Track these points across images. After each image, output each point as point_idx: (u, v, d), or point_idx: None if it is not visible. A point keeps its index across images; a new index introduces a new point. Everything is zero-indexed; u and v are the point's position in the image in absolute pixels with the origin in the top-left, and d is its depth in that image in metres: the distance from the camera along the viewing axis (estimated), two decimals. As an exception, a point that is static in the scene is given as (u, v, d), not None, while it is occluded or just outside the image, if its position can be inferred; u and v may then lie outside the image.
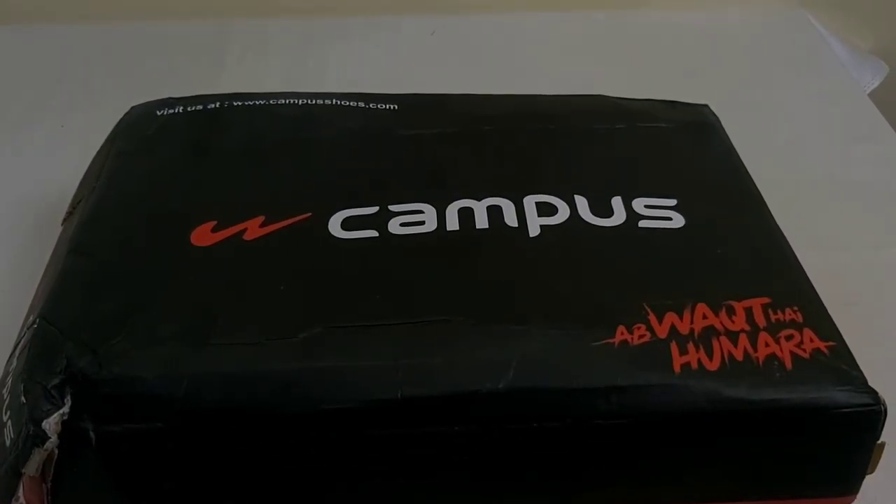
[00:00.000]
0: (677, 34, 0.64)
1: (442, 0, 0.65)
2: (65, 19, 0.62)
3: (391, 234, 0.31)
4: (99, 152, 0.38)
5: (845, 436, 0.27)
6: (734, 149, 0.38)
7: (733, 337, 0.28)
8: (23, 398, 0.26)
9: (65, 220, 0.35)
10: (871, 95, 0.59)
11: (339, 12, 0.64)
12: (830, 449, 0.27)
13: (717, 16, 0.65)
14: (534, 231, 0.31)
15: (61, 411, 0.25)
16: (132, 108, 0.39)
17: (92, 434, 0.25)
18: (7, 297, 0.41)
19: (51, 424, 0.25)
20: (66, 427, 0.25)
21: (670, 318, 0.28)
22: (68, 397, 0.25)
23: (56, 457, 0.25)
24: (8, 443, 0.26)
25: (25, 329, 0.29)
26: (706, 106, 0.40)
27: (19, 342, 0.29)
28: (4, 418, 0.26)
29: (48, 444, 0.25)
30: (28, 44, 0.61)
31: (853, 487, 0.28)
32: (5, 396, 0.27)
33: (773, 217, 0.34)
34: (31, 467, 0.25)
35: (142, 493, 0.27)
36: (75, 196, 0.36)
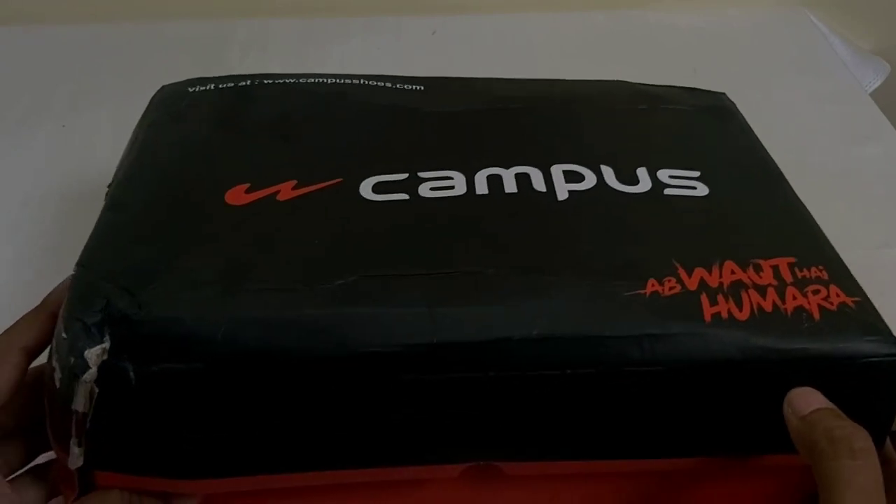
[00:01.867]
0: (677, 34, 0.64)
1: (442, 0, 0.65)
2: (65, 19, 0.62)
3: (422, 197, 0.31)
4: (135, 129, 0.38)
5: (871, 385, 0.27)
6: (752, 130, 0.38)
7: (762, 290, 0.28)
8: (64, 334, 0.26)
9: (106, 195, 0.35)
10: (873, 95, 0.59)
11: (340, 12, 0.64)
12: (857, 398, 0.27)
13: (717, 16, 0.65)
14: (562, 195, 0.32)
15: (103, 345, 0.26)
16: (163, 86, 0.39)
17: (132, 374, 0.25)
18: (7, 295, 0.41)
19: (92, 355, 0.25)
20: (106, 366, 0.25)
21: (699, 272, 0.28)
22: (107, 336, 0.26)
23: (96, 394, 0.25)
24: (58, 384, 0.26)
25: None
26: (723, 94, 0.41)
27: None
28: (54, 363, 0.27)
29: (88, 375, 0.25)
30: (28, 44, 0.61)
31: (879, 439, 0.28)
32: (53, 345, 0.27)
33: (793, 189, 0.34)
34: (80, 402, 0.26)
35: (178, 434, 0.27)
36: (115, 174, 0.36)
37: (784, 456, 0.28)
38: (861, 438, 0.25)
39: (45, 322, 0.29)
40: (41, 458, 0.30)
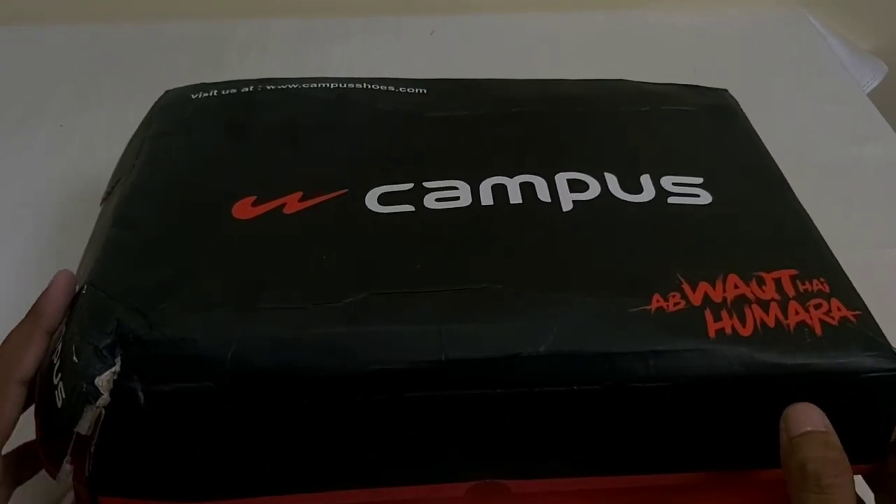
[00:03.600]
0: (677, 34, 0.64)
1: (441, 0, 0.65)
2: (65, 19, 0.62)
3: (427, 208, 0.31)
4: (135, 135, 0.38)
5: (872, 400, 0.28)
6: (755, 131, 0.38)
7: (764, 305, 0.28)
8: (75, 358, 0.26)
9: (104, 199, 0.35)
10: (871, 95, 0.59)
11: (340, 12, 0.64)
12: (857, 413, 0.28)
13: (717, 16, 0.66)
14: (566, 206, 0.32)
15: (113, 369, 0.26)
16: (166, 92, 0.39)
17: (140, 394, 0.26)
18: (6, 295, 0.41)
19: (103, 381, 0.25)
20: (115, 387, 0.25)
21: (703, 287, 0.28)
22: (119, 358, 0.26)
23: (102, 417, 0.26)
24: (60, 404, 0.26)
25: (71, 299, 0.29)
26: (725, 90, 0.41)
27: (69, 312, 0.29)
28: (55, 381, 0.27)
29: (100, 401, 0.25)
30: (28, 44, 0.61)
31: (878, 453, 0.29)
32: (55, 361, 0.27)
33: (795, 195, 0.34)
34: (84, 425, 0.26)
35: (186, 455, 0.27)
36: (113, 177, 0.36)
37: None
38: (832, 474, 0.25)
39: (40, 344, 0.28)
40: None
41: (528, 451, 0.28)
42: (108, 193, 0.35)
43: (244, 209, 0.31)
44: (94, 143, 0.51)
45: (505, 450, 0.28)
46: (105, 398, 0.25)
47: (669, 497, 0.30)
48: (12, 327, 0.30)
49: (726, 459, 0.29)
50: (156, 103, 0.39)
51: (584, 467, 0.29)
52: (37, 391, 0.28)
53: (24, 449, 0.29)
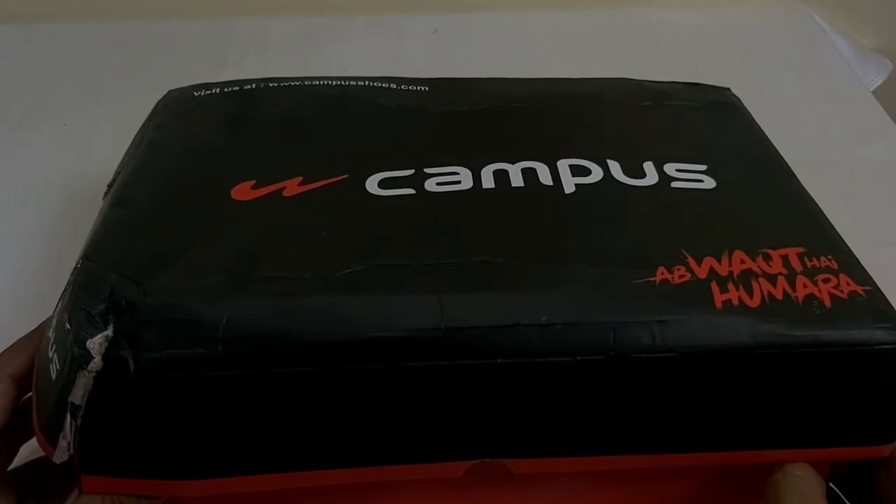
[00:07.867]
0: (679, 33, 0.63)
1: (443, -1, 0.65)
2: (65, 18, 0.62)
3: (428, 191, 0.32)
4: (138, 132, 0.38)
5: (882, 374, 0.27)
6: (758, 125, 0.38)
7: (772, 279, 0.28)
8: (67, 325, 0.26)
9: (106, 193, 0.35)
10: (875, 93, 0.59)
11: (341, 11, 0.64)
12: (867, 389, 0.27)
13: (719, 14, 0.65)
14: (569, 189, 0.32)
15: (105, 333, 0.25)
16: (169, 90, 0.40)
17: (131, 361, 0.25)
18: (7, 296, 0.41)
19: (95, 345, 0.25)
20: (107, 356, 0.25)
21: (708, 261, 0.28)
22: (111, 325, 0.25)
23: (91, 388, 0.25)
24: (54, 375, 0.26)
25: (70, 278, 0.29)
26: (728, 89, 0.41)
27: (64, 292, 0.28)
28: (51, 354, 0.27)
29: (92, 365, 0.25)
30: (29, 43, 0.61)
31: (888, 434, 0.28)
32: (51, 336, 0.27)
33: (800, 182, 0.34)
34: (78, 394, 0.25)
35: (178, 431, 0.26)
36: (116, 171, 0.36)
37: (796, 451, 0.28)
38: None
39: (36, 348, 0.28)
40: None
41: (528, 427, 0.28)
42: (110, 188, 0.35)
43: (243, 192, 0.31)
44: (95, 142, 0.51)
45: (505, 425, 0.28)
46: (97, 362, 0.25)
47: (679, 480, 0.30)
48: (12, 325, 0.30)
49: (733, 437, 0.28)
50: (159, 101, 0.39)
51: (586, 445, 0.28)
52: (34, 370, 0.28)
53: (32, 464, 0.29)
